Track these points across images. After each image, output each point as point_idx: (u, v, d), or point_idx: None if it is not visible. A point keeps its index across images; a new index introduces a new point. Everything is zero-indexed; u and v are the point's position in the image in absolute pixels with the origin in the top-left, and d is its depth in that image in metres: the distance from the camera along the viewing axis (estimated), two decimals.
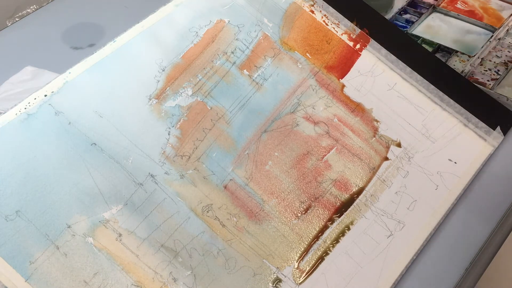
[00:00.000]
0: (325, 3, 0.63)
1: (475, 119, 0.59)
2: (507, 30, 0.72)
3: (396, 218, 0.53)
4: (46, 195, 0.47)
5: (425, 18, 0.74)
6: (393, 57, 0.61)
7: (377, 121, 0.58)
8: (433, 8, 0.75)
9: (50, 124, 0.50)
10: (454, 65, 0.67)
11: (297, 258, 0.50)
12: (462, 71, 0.66)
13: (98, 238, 0.47)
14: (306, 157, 0.55)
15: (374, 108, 0.59)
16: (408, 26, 0.72)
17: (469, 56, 0.68)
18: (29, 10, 0.73)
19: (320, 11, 0.63)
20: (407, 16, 0.75)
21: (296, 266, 0.49)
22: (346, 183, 0.54)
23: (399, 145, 0.57)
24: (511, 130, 0.59)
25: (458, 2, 0.76)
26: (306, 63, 0.60)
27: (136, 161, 0.50)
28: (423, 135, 0.58)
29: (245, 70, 0.58)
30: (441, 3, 0.76)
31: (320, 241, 0.51)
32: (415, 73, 0.60)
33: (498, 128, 0.58)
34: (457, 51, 0.69)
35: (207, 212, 0.50)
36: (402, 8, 0.75)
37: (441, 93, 0.60)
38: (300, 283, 0.49)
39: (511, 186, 0.56)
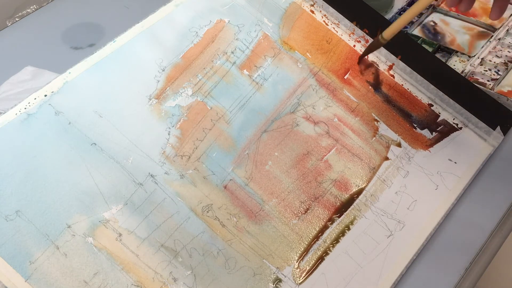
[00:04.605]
0: (325, 3, 0.63)
1: (475, 119, 0.59)
2: (507, 30, 0.72)
3: (396, 218, 0.53)
4: (46, 195, 0.47)
5: (425, 18, 0.74)
6: (393, 57, 0.61)
7: (377, 120, 0.58)
8: (433, 8, 0.75)
9: (50, 124, 0.50)
10: (454, 65, 0.67)
11: (297, 258, 0.50)
12: (462, 71, 0.66)
13: (98, 238, 0.47)
14: (306, 157, 0.55)
15: (374, 107, 0.59)
16: (408, 26, 0.72)
17: (469, 56, 0.68)
18: (29, 10, 0.73)
19: (320, 11, 0.63)
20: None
21: (296, 266, 0.49)
22: (346, 183, 0.54)
23: (399, 145, 0.57)
24: (511, 130, 0.59)
25: None
26: (306, 63, 0.60)
27: (136, 161, 0.50)
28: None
29: (245, 70, 0.58)
30: (441, 3, 0.76)
31: (320, 241, 0.51)
32: (415, 73, 0.60)
33: (498, 128, 0.58)
34: (457, 51, 0.69)
35: (207, 212, 0.50)
36: (402, 8, 0.75)
37: (441, 93, 0.60)
38: (300, 283, 0.49)
39: (511, 186, 0.56)
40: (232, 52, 0.58)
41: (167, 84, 0.55)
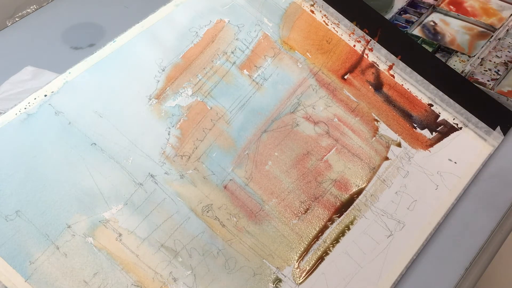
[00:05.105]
0: (325, 3, 0.63)
1: (475, 119, 0.59)
2: (507, 30, 0.72)
3: (396, 218, 0.53)
4: (46, 195, 0.47)
5: (425, 18, 0.74)
6: (393, 57, 0.61)
7: (377, 120, 0.58)
8: (433, 8, 0.75)
9: (50, 124, 0.50)
10: (454, 65, 0.67)
11: (297, 258, 0.50)
12: (462, 71, 0.66)
13: (98, 238, 0.47)
14: (306, 157, 0.55)
15: (374, 107, 0.59)
16: (408, 26, 0.72)
17: (469, 56, 0.68)
18: (29, 10, 0.73)
19: (320, 11, 0.63)
20: (407, 16, 0.75)
21: (296, 266, 0.49)
22: (346, 183, 0.54)
23: (399, 144, 0.57)
24: (511, 130, 0.60)
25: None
26: (306, 63, 0.60)
27: (136, 161, 0.50)
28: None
29: (245, 70, 0.58)
30: (441, 3, 0.76)
31: (320, 241, 0.51)
32: (415, 73, 0.60)
33: (498, 128, 0.58)
34: (457, 51, 0.69)
35: (207, 212, 0.50)
36: (402, 8, 0.75)
37: (441, 93, 0.60)
38: (300, 283, 0.49)
39: (511, 186, 0.56)
40: (232, 52, 0.58)
41: (167, 84, 0.55)
